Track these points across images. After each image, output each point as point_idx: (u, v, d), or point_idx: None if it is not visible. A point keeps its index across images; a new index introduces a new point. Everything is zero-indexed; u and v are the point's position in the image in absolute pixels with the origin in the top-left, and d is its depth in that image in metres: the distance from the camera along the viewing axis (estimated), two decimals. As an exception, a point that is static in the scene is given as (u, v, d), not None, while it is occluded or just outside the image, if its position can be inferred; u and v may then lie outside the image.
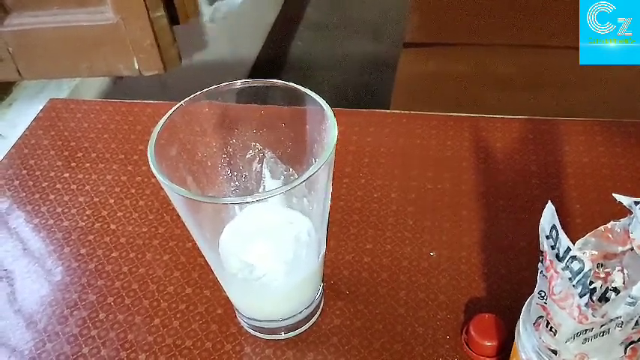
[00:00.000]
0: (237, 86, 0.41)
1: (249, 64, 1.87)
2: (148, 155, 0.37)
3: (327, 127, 0.38)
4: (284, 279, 0.44)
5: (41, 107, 0.75)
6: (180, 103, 0.40)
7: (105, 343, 0.47)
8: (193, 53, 1.53)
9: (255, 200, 0.34)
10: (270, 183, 0.46)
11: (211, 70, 1.58)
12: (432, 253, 0.51)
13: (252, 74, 1.85)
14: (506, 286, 0.49)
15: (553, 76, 1.11)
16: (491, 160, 0.59)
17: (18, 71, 0.97)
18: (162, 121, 0.39)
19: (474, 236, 0.52)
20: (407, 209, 0.55)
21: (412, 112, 0.65)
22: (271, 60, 1.98)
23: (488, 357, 0.44)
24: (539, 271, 0.34)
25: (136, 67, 1.00)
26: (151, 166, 0.36)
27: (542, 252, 0.33)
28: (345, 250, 0.52)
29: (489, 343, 0.43)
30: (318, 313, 0.48)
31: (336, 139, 0.36)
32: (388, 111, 0.66)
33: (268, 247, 0.45)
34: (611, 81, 1.03)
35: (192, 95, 0.40)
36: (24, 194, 0.60)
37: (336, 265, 0.51)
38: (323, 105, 0.38)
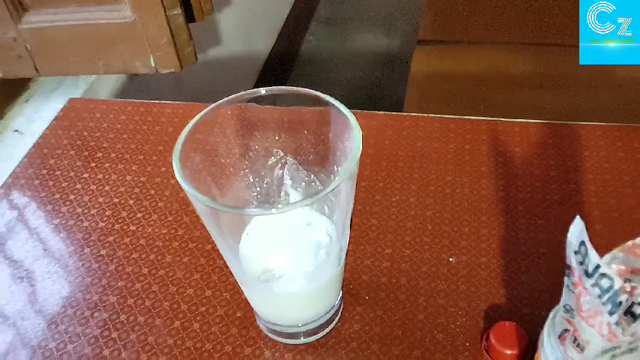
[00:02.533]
0: (261, 93, 0.41)
1: (262, 60, 1.87)
2: (174, 163, 0.37)
3: (351, 136, 0.38)
4: (305, 284, 0.44)
5: (58, 103, 0.76)
6: (204, 111, 0.40)
7: (125, 345, 0.48)
8: (207, 49, 1.53)
9: (278, 213, 0.35)
10: (291, 189, 0.46)
11: (224, 65, 1.58)
12: (451, 259, 0.51)
13: (265, 70, 1.85)
14: (526, 293, 0.49)
15: (570, 74, 1.10)
16: (510, 164, 0.59)
17: (35, 68, 0.97)
18: (186, 129, 0.39)
19: (493, 242, 0.52)
20: (425, 214, 0.55)
21: (430, 114, 0.65)
22: (283, 56, 1.98)
23: (508, 365, 0.44)
24: (564, 285, 0.34)
25: (153, 65, 1.00)
26: (177, 175, 0.36)
27: (569, 266, 0.33)
28: (364, 255, 0.52)
29: (510, 352, 0.43)
30: (338, 318, 0.48)
31: (360, 152, 0.36)
32: (405, 114, 0.66)
33: (289, 251, 0.45)
34: (629, 80, 1.03)
35: (216, 103, 0.40)
36: (44, 194, 0.61)
37: (355, 269, 0.51)
38: (347, 114, 0.38)
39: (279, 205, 0.46)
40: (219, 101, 0.41)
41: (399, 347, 0.46)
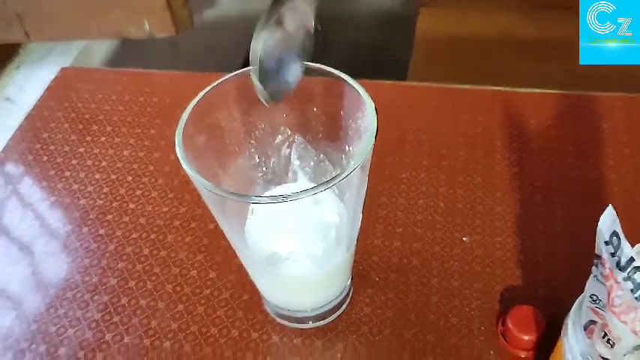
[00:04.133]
0: (268, 68, 0.38)
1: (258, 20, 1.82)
2: (177, 146, 0.34)
3: (365, 115, 0.36)
4: (314, 269, 0.42)
5: (49, 71, 0.73)
6: (206, 89, 0.37)
7: (128, 329, 0.46)
8: (202, 10, 1.49)
9: (287, 201, 0.32)
10: (299, 169, 0.44)
11: (219, 26, 1.53)
12: (464, 239, 0.49)
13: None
14: (542, 274, 0.47)
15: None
16: (525, 137, 0.57)
17: (26, 33, 0.93)
18: (189, 108, 0.36)
19: (509, 220, 0.50)
20: (438, 190, 0.53)
21: (440, 84, 0.62)
22: (281, 16, 1.92)
23: (525, 350, 0.42)
24: (592, 274, 0.32)
25: (147, 30, 0.96)
26: (180, 158, 0.34)
27: (598, 256, 0.31)
28: (374, 234, 0.50)
29: (527, 337, 0.41)
30: (348, 301, 0.46)
31: (374, 136, 0.34)
32: (415, 83, 0.63)
33: (297, 232, 0.43)
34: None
35: (220, 80, 0.38)
36: (38, 170, 0.58)
37: (365, 249, 0.49)
38: (362, 93, 0.36)
39: (288, 191, 0.44)
40: (222, 78, 0.38)
41: (412, 331, 0.44)
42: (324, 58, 0.38)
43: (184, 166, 0.33)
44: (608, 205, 0.31)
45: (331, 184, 0.32)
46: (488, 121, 0.58)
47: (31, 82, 1.02)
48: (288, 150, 0.43)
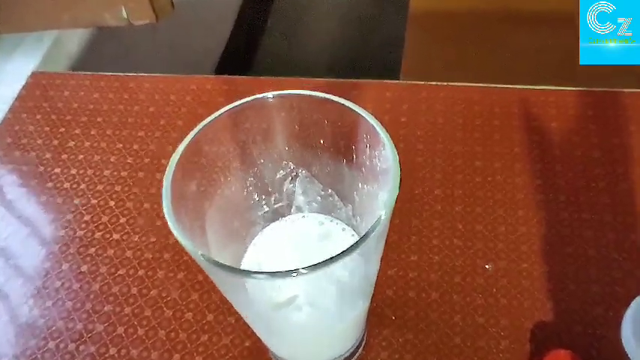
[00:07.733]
0: (269, 100, 0.33)
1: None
2: (164, 207, 0.29)
3: (382, 156, 0.31)
4: (324, 319, 0.37)
5: (22, 63, 0.68)
6: (199, 126, 0.32)
7: (119, 385, 0.41)
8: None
9: (299, 275, 0.27)
10: (304, 205, 0.38)
11: (200, 5, 1.45)
12: (487, 266, 0.45)
13: (245, 5, 1.71)
14: (576, 305, 0.42)
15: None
16: (546, 144, 0.52)
17: (-8, 26, 0.86)
18: (177, 154, 0.31)
19: (534, 243, 0.46)
20: (454, 209, 0.48)
21: (450, 83, 0.57)
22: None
23: (562, 399, 0.38)
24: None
25: (125, 17, 0.88)
26: (171, 225, 0.28)
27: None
28: (387, 264, 0.45)
29: (566, 387, 0.37)
30: (362, 345, 0.41)
31: (397, 190, 0.28)
32: (422, 82, 0.57)
33: (303, 281, 0.38)
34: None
35: (214, 115, 0.32)
36: (11, 196, 0.52)
37: (378, 282, 0.44)
38: (380, 130, 0.30)
39: (289, 224, 0.39)
40: (217, 113, 0.32)
41: (435, 379, 0.40)
42: (315, 35, 0.32)
43: (176, 233, 0.28)
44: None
45: (355, 250, 0.27)
46: (505, 125, 0.53)
47: (3, 76, 0.95)
48: (292, 185, 0.38)
